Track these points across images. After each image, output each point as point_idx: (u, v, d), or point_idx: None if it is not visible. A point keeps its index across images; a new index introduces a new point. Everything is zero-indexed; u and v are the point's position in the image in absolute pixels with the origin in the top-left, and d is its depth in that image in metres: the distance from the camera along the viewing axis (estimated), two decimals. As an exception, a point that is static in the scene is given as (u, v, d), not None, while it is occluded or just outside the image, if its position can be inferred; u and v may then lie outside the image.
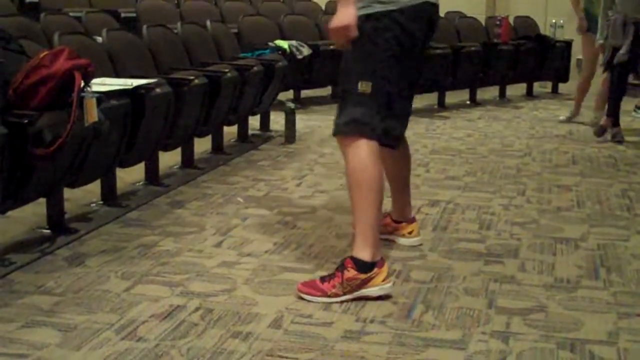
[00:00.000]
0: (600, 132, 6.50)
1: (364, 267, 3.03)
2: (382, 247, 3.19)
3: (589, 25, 7.12)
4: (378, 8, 3.06)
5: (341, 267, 3.07)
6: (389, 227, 3.70)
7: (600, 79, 7.03)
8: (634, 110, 7.73)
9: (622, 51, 6.22)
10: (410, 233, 3.70)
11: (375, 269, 3.05)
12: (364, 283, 3.03)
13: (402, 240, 3.69)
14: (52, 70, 3.31)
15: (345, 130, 3.10)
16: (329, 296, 3.01)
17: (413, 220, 3.72)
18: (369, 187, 3.05)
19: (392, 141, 3.30)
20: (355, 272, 3.03)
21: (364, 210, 3.07)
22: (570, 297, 3.11)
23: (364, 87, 3.07)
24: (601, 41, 6.57)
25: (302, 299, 3.03)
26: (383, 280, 3.06)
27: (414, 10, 3.12)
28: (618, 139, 6.38)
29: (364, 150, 3.05)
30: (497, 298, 3.09)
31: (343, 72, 3.16)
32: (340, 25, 2.99)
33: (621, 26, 6.23)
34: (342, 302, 3.00)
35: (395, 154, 3.48)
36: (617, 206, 4.47)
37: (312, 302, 3.00)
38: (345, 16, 2.98)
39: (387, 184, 3.35)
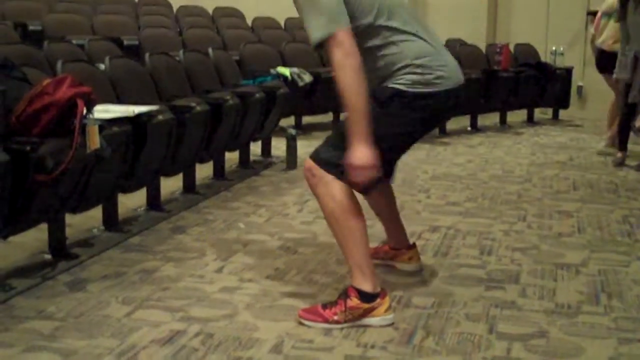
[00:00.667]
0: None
1: (367, 297, 3.03)
2: (380, 276, 3.18)
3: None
4: (419, 89, 2.98)
5: (344, 295, 3.06)
6: (389, 254, 3.70)
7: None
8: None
9: (633, 91, 6.28)
10: (410, 259, 3.70)
11: (378, 300, 3.04)
12: (367, 313, 3.03)
13: (404, 266, 3.69)
14: (54, 98, 3.33)
15: (331, 171, 2.98)
16: (330, 323, 3.01)
17: (412, 246, 3.72)
18: (351, 223, 3.01)
19: (362, 191, 3.17)
20: (359, 302, 3.02)
21: (352, 245, 3.03)
22: (571, 323, 3.11)
23: None
24: (614, 76, 6.64)
25: (303, 324, 3.03)
26: (385, 311, 3.06)
27: (451, 92, 3.09)
28: (619, 162, 6.44)
29: (336, 188, 2.99)
30: (497, 323, 3.09)
31: None
32: (363, 165, 2.84)
33: (632, 61, 6.30)
34: (339, 328, 3.00)
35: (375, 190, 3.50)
36: (618, 232, 4.47)
37: (313, 327, 3.00)
38: (366, 156, 2.82)
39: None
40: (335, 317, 3.01)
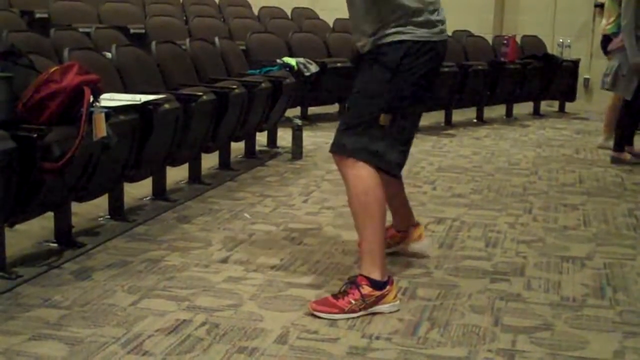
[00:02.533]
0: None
1: (378, 285, 3.06)
2: (388, 265, 3.20)
3: None
4: (423, 36, 3.06)
5: (354, 284, 3.07)
6: (396, 238, 3.70)
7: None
8: None
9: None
10: (419, 236, 3.72)
11: (388, 287, 3.09)
12: (379, 300, 3.06)
13: (414, 246, 3.70)
14: (61, 85, 3.33)
15: (357, 157, 3.06)
16: (346, 313, 3.02)
17: (418, 224, 3.75)
18: (374, 209, 3.07)
19: (398, 172, 3.26)
20: (371, 289, 3.05)
21: (371, 231, 3.08)
22: (576, 316, 3.11)
23: (384, 119, 3.04)
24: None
25: (317, 316, 3.01)
26: (394, 298, 3.11)
27: (446, 43, 3.19)
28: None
29: (366, 172, 3.06)
30: (502, 316, 3.09)
31: (361, 95, 3.10)
32: None
33: None
34: (350, 318, 3.00)
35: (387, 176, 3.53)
36: (624, 225, 4.46)
37: (328, 319, 2.99)
38: None
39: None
40: (350, 306, 3.03)
